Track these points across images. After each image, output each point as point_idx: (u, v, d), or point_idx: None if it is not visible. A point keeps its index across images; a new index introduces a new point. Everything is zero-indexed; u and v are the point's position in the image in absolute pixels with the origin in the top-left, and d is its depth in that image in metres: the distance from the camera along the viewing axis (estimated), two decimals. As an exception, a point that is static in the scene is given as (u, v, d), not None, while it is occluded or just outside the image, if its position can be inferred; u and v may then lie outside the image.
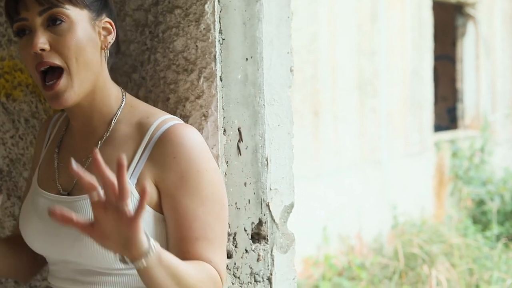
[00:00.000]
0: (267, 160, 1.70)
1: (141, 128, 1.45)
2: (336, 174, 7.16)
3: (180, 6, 1.61)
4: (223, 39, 1.60)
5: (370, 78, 7.58)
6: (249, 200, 1.66)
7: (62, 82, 1.39)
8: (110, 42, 1.47)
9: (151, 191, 1.42)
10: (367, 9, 7.53)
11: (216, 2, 1.58)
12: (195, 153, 1.42)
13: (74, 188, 1.48)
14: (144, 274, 1.29)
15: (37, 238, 1.48)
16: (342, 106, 7.20)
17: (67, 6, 1.41)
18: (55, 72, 1.40)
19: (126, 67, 1.71)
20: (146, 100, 1.67)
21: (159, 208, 1.43)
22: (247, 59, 1.65)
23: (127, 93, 1.54)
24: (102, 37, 1.46)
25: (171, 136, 1.42)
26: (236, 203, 1.63)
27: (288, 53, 1.76)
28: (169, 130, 1.43)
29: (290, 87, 1.77)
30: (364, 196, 7.46)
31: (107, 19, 1.47)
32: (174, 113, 1.63)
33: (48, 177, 1.54)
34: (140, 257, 1.25)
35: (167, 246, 1.42)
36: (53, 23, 1.39)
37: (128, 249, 1.24)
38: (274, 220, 1.72)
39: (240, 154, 1.64)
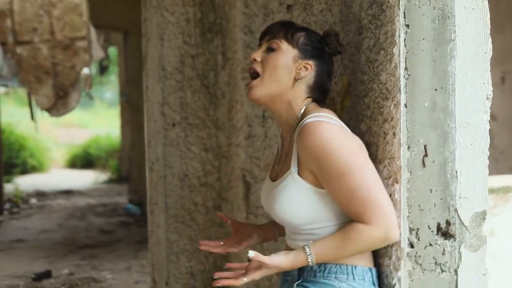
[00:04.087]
0: (456, 173, 2.04)
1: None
2: None
3: (384, 48, 2.08)
4: (408, 75, 2.01)
5: None
6: (434, 204, 2.04)
7: (255, 82, 2.10)
8: (302, 76, 2.07)
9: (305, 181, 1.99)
10: None
11: (402, 46, 2.00)
12: (320, 140, 1.92)
13: (277, 176, 2.13)
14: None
15: (266, 208, 2.17)
16: None
17: (283, 41, 2.10)
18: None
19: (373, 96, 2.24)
20: (369, 120, 2.18)
21: (319, 184, 1.98)
22: (436, 89, 2.02)
23: (314, 106, 2.09)
24: (298, 70, 2.08)
25: (301, 132, 1.97)
26: (419, 205, 2.04)
27: (483, 83, 2.05)
28: (301, 128, 1.98)
29: (486, 113, 2.05)
30: None
31: (310, 63, 2.09)
32: (378, 133, 2.11)
33: (273, 168, 2.23)
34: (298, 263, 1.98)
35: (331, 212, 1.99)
36: (269, 50, 2.11)
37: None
38: (463, 223, 2.06)
39: (425, 166, 2.03)
